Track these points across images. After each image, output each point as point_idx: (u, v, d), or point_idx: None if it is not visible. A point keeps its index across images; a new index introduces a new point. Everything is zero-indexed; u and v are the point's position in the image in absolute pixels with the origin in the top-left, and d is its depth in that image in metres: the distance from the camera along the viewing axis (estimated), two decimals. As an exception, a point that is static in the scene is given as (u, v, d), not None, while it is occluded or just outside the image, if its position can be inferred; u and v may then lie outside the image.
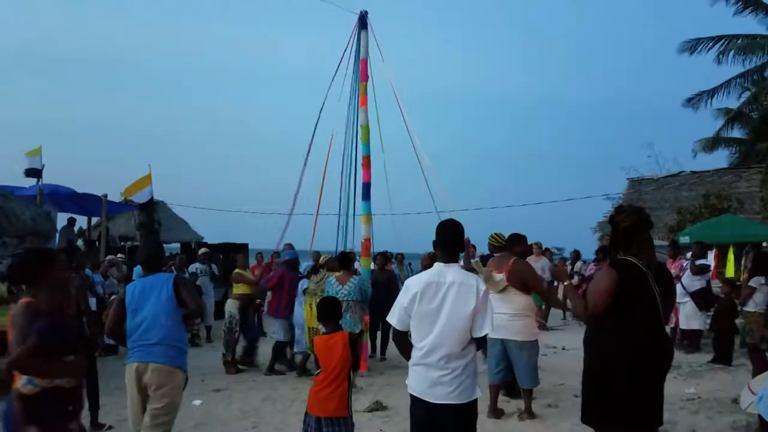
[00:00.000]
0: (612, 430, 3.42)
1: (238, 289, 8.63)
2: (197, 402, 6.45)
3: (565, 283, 3.93)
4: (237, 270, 8.96)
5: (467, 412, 3.34)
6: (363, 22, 8.59)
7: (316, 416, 3.86)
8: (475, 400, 3.38)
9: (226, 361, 8.24)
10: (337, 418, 3.84)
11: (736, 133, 21.86)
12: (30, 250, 3.29)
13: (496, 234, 6.46)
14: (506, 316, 5.72)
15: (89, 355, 5.75)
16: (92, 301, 9.31)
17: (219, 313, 13.75)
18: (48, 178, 12.63)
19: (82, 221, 15.54)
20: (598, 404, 3.41)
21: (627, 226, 3.43)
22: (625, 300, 3.31)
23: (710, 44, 19.18)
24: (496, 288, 5.76)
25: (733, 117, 20.65)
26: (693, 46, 19.29)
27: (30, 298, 3.12)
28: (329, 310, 4.14)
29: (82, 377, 3.19)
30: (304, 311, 7.74)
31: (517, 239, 6.05)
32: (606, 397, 3.35)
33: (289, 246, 8.97)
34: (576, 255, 15.01)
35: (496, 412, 5.90)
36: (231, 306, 8.49)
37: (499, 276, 5.82)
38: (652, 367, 3.36)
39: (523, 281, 5.75)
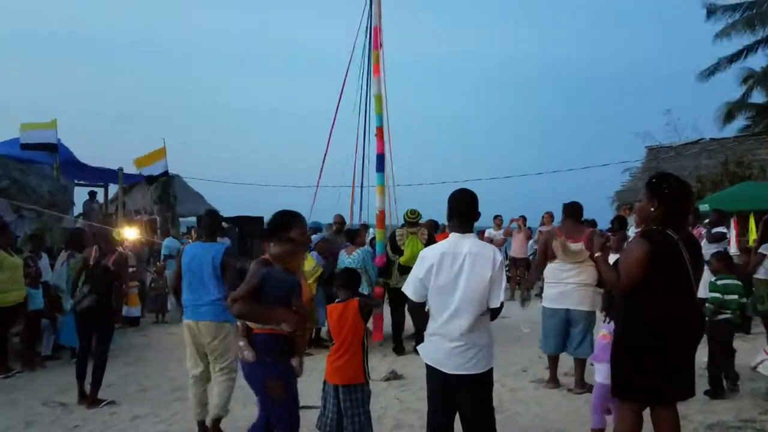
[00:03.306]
0: (641, 402, 3.40)
1: None
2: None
3: (597, 255, 3.83)
4: None
5: (482, 381, 3.35)
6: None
7: (334, 384, 3.91)
8: (491, 370, 3.38)
9: None
10: (354, 385, 3.87)
11: (757, 98, 21.35)
12: (282, 212, 3.57)
13: (411, 210, 7.83)
14: (574, 285, 5.71)
15: (106, 330, 5.80)
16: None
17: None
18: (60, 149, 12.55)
19: (99, 195, 15.63)
20: (627, 376, 3.37)
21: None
22: (656, 270, 3.24)
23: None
24: (575, 258, 5.70)
25: (756, 80, 20.20)
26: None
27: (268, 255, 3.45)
28: (346, 279, 4.17)
29: (301, 327, 3.44)
30: None
31: (580, 208, 5.99)
32: (636, 368, 3.31)
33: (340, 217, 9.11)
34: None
35: (556, 382, 5.93)
36: None
37: (577, 246, 5.69)
38: (684, 338, 3.31)
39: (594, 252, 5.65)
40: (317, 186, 9.19)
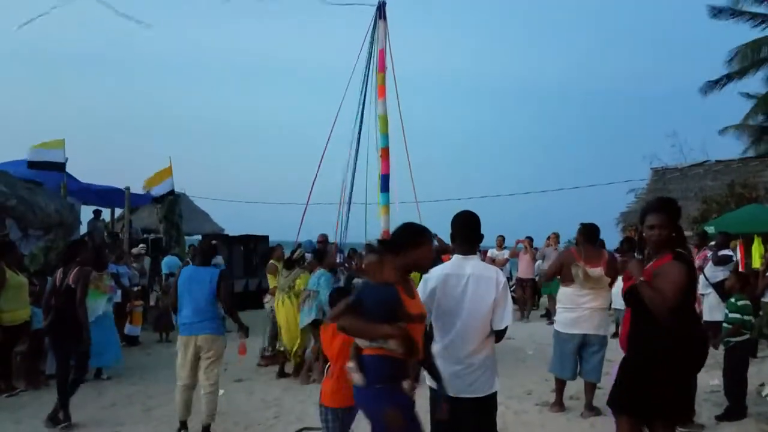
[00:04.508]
0: (647, 418, 3.41)
1: (273, 281, 8.21)
2: (219, 392, 6.49)
3: (641, 280, 3.80)
4: (272, 261, 8.51)
5: (486, 405, 3.34)
6: (381, 11, 8.51)
7: (332, 407, 3.69)
8: (494, 393, 3.37)
9: (263, 355, 8.22)
10: (355, 406, 3.76)
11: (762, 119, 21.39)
12: (411, 226, 3.26)
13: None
14: (591, 310, 5.65)
15: (78, 348, 5.63)
16: (118, 293, 9.50)
17: (244, 304, 13.88)
18: (68, 170, 12.65)
19: (105, 213, 15.72)
20: (632, 390, 3.39)
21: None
22: (687, 291, 3.36)
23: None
24: (597, 284, 5.62)
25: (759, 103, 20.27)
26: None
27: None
28: (337, 298, 3.98)
29: (408, 351, 2.96)
30: (275, 309, 7.57)
31: (598, 230, 6.00)
32: (646, 382, 3.33)
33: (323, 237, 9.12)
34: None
35: (561, 406, 5.88)
36: (269, 299, 8.27)
37: (596, 272, 5.61)
38: (697, 356, 3.40)
39: (615, 277, 5.57)
40: (306, 204, 9.16)
